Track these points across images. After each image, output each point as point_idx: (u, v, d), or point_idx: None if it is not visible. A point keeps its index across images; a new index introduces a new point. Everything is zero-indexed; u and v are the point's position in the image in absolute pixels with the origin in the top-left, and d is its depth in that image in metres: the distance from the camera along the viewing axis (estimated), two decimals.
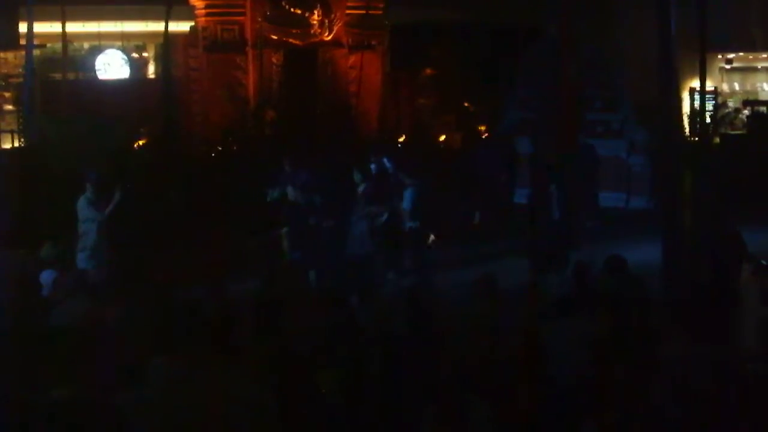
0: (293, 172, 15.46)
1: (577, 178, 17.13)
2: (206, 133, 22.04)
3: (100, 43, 25.41)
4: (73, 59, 24.44)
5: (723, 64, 27.39)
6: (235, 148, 20.72)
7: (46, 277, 10.57)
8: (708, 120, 23.26)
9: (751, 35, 24.69)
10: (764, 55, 26.41)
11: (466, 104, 26.31)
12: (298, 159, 15.89)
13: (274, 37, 24.08)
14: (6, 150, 21.51)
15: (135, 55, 25.03)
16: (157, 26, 23.18)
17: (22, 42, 21.58)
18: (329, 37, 24.64)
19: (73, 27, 23.66)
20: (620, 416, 8.05)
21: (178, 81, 23.44)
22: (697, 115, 23.11)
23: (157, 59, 24.35)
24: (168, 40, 22.67)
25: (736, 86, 27.93)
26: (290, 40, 24.27)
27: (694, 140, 21.26)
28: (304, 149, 17.87)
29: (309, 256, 14.39)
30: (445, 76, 26.45)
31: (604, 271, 10.43)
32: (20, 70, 22.75)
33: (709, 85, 24.81)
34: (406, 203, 14.71)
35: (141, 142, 20.94)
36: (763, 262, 11.08)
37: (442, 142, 25.19)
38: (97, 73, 24.90)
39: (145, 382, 7.38)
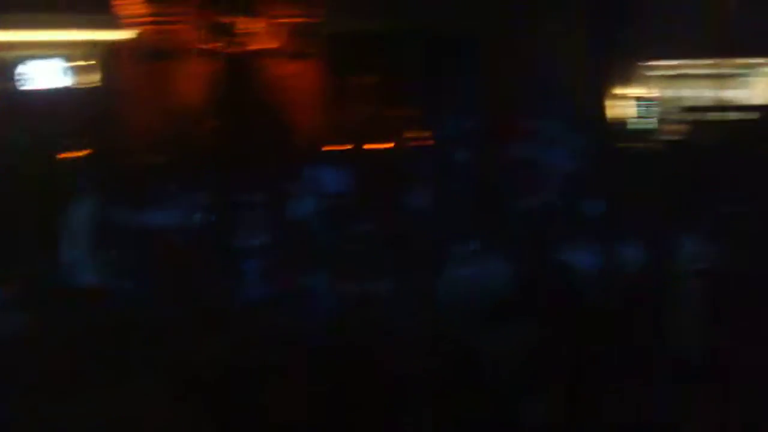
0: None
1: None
2: (143, 143, 21.97)
3: (33, 53, 25.18)
4: (4, 69, 24.17)
5: (654, 72, 27.83)
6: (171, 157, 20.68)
7: None
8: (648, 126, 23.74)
9: (683, 43, 25.11)
10: (693, 63, 26.92)
11: (400, 112, 26.33)
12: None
13: (212, 46, 24.11)
14: None
15: (71, 64, 24.88)
16: (95, 36, 23.11)
17: None
18: (267, 46, 24.71)
19: (3, 36, 23.41)
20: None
21: (115, 90, 23.36)
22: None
23: (95, 68, 24.30)
24: (106, 49, 22.64)
25: (667, 93, 28.35)
26: (228, 48, 24.31)
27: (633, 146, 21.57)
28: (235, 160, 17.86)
29: None
30: (383, 84, 26.53)
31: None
32: None
33: (642, 92, 25.33)
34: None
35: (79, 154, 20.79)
36: None
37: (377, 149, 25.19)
38: (31, 83, 24.63)
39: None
